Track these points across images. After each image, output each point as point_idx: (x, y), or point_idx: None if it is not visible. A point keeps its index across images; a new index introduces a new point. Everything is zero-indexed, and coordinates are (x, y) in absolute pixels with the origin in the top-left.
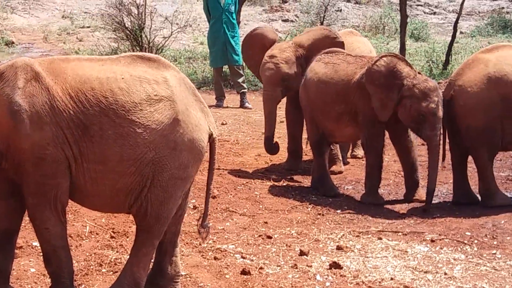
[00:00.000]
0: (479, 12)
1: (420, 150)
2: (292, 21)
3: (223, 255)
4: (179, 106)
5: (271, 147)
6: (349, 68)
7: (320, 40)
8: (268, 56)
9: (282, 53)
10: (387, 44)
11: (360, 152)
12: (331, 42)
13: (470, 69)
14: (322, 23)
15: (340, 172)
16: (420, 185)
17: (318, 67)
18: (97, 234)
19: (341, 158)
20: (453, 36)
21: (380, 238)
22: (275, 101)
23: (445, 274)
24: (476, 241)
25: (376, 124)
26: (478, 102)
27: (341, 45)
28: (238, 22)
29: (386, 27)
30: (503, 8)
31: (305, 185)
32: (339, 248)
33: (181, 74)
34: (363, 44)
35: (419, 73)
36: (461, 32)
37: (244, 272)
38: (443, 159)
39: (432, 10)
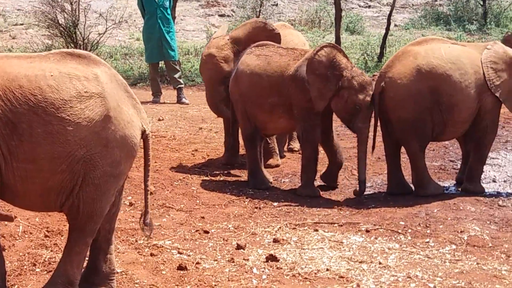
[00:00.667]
0: (412, 5)
1: (353, 142)
2: (228, 16)
3: (160, 251)
4: (110, 102)
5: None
6: (282, 60)
7: (257, 33)
8: (206, 55)
9: (220, 51)
10: (323, 37)
11: (296, 145)
12: (268, 35)
13: (400, 61)
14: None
15: (277, 166)
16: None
17: (250, 60)
18: (30, 233)
19: (277, 152)
20: (387, 29)
21: (316, 230)
22: (220, 101)
23: (380, 263)
24: (409, 230)
25: (312, 117)
26: (408, 94)
27: (278, 37)
28: (174, 18)
29: (321, 21)
30: (436, 0)
31: (242, 179)
32: (275, 241)
33: (112, 71)
34: (296, 37)
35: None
36: (395, 25)
37: (180, 268)
38: (372, 151)
39: (367, 3)
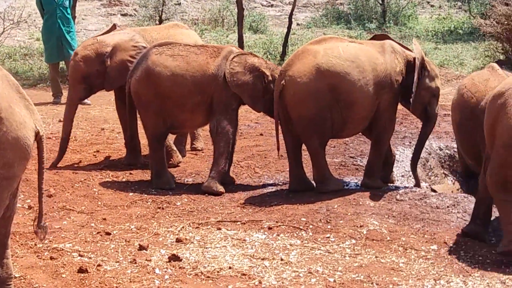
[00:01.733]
0: (314, 4)
1: (256, 141)
2: (131, 15)
3: (60, 255)
4: (1, 103)
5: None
6: (200, 59)
7: (124, 42)
8: (74, 53)
9: (83, 50)
10: (227, 37)
11: (199, 144)
12: (132, 45)
13: (300, 60)
14: (160, 17)
15: (178, 163)
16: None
17: (166, 60)
18: None
19: (176, 150)
20: (289, 28)
21: (219, 228)
22: (77, 99)
23: (282, 260)
24: (311, 226)
25: (230, 111)
26: (308, 92)
27: (144, 49)
28: (74, 17)
29: (225, 20)
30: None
31: (145, 180)
32: (178, 240)
33: (4, 71)
34: (187, 36)
35: None
36: (297, 24)
37: (81, 270)
38: (278, 148)
39: (269, 2)
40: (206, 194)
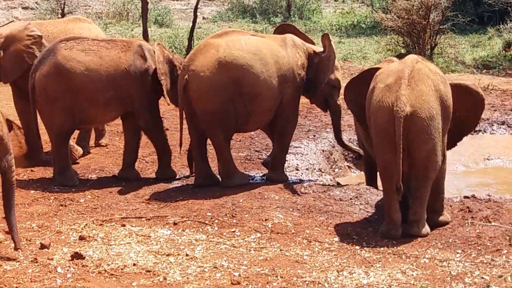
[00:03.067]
0: None
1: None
2: (32, 8)
3: None
4: None
5: None
6: (112, 54)
7: (18, 32)
8: None
9: None
10: (132, 30)
11: (104, 140)
12: (27, 35)
13: (202, 54)
14: (63, 11)
15: (78, 159)
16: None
17: (77, 55)
18: None
19: (74, 145)
20: (194, 22)
21: (124, 225)
22: None
23: (187, 255)
24: (216, 221)
25: (154, 107)
26: (211, 86)
27: (40, 38)
28: None
29: (130, 14)
30: None
31: (47, 177)
32: (81, 238)
33: None
34: (87, 30)
35: None
36: (203, 18)
37: None
38: (180, 145)
39: None
40: (111, 191)
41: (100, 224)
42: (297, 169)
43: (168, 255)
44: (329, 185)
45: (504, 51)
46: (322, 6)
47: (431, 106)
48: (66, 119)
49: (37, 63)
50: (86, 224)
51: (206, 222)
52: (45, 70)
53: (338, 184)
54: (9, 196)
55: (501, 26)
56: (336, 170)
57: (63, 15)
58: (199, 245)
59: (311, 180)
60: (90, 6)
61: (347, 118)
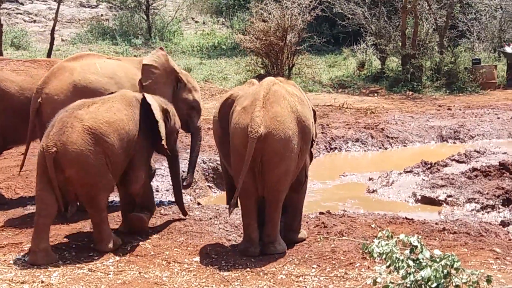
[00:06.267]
0: (79, 19)
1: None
2: None
3: None
4: None
5: None
6: (40, 72)
7: None
8: None
9: None
10: None
11: None
12: None
13: (56, 77)
14: None
15: None
16: None
17: (10, 76)
18: None
19: None
20: (51, 44)
21: None
22: None
23: (42, 282)
24: (74, 246)
25: None
26: None
27: None
28: None
29: None
30: (102, 15)
31: None
32: None
33: None
34: None
35: None
36: (62, 40)
37: None
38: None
39: (32, 18)
40: None
41: None
42: (158, 191)
43: (23, 282)
44: (189, 205)
45: (358, 71)
46: (183, 27)
47: (287, 127)
48: None
49: None
50: None
51: (63, 247)
52: None
53: (199, 204)
54: None
55: (355, 46)
56: (197, 190)
57: None
58: (56, 271)
59: (171, 201)
60: None
61: (207, 139)
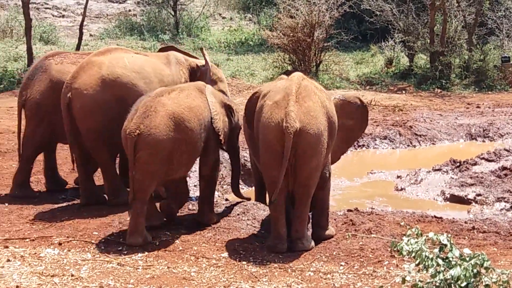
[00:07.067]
0: (107, 15)
1: None
2: None
3: None
4: None
5: None
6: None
7: None
8: None
9: None
10: (16, 48)
11: None
12: None
13: (85, 72)
14: None
15: None
16: None
17: (70, 69)
18: None
19: None
20: (80, 39)
21: (7, 247)
22: None
23: (72, 275)
24: (103, 240)
25: None
26: (95, 104)
27: None
28: None
29: (14, 31)
30: (129, 11)
31: None
32: None
33: None
34: None
35: None
36: (90, 35)
37: None
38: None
39: (61, 13)
40: None
41: None
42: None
43: (53, 276)
44: (217, 201)
45: (386, 68)
46: (210, 23)
47: (319, 121)
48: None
49: (26, 80)
50: None
51: (92, 241)
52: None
53: (226, 200)
54: None
55: (383, 43)
56: (225, 186)
57: None
58: (85, 264)
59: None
60: None
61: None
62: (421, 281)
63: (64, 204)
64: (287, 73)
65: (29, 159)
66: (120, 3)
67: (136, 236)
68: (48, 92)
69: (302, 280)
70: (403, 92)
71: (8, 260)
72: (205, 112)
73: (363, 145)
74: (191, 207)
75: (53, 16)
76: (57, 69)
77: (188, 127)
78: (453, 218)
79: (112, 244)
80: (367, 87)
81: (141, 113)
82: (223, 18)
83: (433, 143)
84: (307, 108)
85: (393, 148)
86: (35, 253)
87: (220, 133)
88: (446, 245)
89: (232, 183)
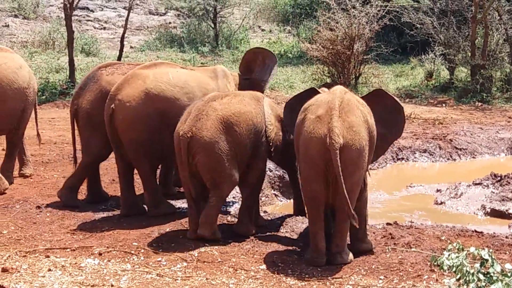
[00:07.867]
0: (147, 27)
1: None
2: None
3: None
4: None
5: None
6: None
7: None
8: None
9: None
10: (58, 59)
11: (28, 170)
12: None
13: (129, 84)
14: None
15: (5, 190)
16: None
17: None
18: None
19: (2, 176)
20: (121, 51)
21: (48, 256)
22: None
23: (112, 285)
24: (142, 251)
25: None
26: (137, 116)
27: None
28: None
29: (56, 43)
30: (169, 23)
31: None
32: (4, 270)
33: None
34: (11, 60)
35: None
36: (131, 47)
37: None
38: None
39: (102, 25)
40: (35, 222)
41: (24, 256)
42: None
43: (93, 286)
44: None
45: (426, 81)
46: (249, 35)
47: (362, 137)
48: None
49: (78, 90)
50: (9, 256)
51: (132, 252)
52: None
53: (265, 212)
54: None
55: (423, 56)
56: (263, 198)
57: None
58: (125, 275)
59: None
60: (15, 35)
61: None
62: None
63: (105, 214)
64: (326, 85)
65: (86, 167)
66: (160, 15)
67: (206, 227)
68: (98, 102)
69: None
70: (443, 105)
71: (50, 270)
72: (256, 119)
73: (403, 158)
74: (230, 219)
75: (95, 28)
76: (107, 80)
77: (236, 131)
78: (494, 232)
79: (151, 255)
80: (407, 100)
81: (193, 116)
82: (263, 30)
83: (473, 157)
84: (350, 123)
85: (433, 161)
86: (76, 263)
87: (271, 143)
88: (487, 260)
89: (294, 204)
